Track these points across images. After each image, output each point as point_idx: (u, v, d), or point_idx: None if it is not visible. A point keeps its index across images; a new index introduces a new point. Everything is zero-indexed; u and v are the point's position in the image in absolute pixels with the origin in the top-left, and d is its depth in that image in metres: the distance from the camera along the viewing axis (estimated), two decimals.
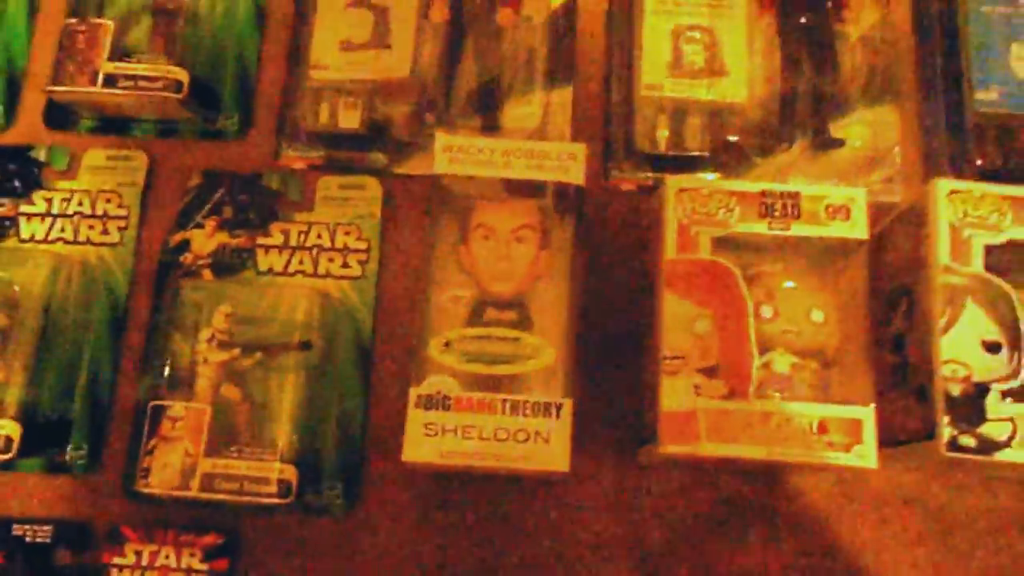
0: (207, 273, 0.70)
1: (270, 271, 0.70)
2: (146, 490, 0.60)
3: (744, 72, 0.71)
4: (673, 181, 0.60)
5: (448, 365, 0.58)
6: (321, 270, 0.70)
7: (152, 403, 0.62)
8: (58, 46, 0.70)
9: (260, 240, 0.71)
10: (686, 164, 0.71)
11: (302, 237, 0.71)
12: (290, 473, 0.61)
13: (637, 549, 0.65)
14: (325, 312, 0.68)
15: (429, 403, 0.56)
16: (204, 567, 0.64)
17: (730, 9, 0.72)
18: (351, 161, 0.73)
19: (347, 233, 0.71)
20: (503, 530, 0.65)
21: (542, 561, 0.65)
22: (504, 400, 0.57)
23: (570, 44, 0.75)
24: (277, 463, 0.61)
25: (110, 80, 0.69)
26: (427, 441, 0.56)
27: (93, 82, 0.69)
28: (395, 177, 0.72)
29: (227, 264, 0.70)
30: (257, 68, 0.76)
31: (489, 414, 0.56)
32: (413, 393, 0.57)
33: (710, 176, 0.71)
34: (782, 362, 0.61)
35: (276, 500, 0.61)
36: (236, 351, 0.64)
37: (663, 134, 0.71)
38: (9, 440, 0.62)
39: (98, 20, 0.70)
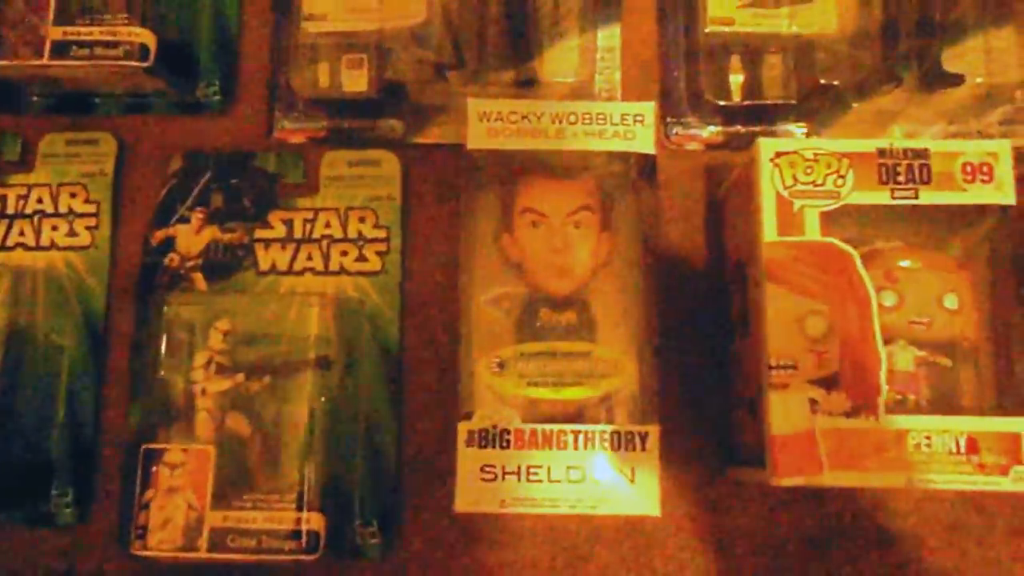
0: (198, 277, 0.58)
1: (273, 269, 0.58)
2: (144, 553, 0.50)
3: None
4: (767, 144, 0.48)
5: (503, 391, 0.46)
6: (333, 265, 0.59)
7: (144, 447, 0.52)
8: None
9: (258, 233, 0.59)
10: (765, 115, 0.59)
11: (308, 227, 0.59)
12: (316, 522, 0.51)
13: None
14: (343, 319, 0.56)
15: (484, 440, 0.46)
16: None
17: None
18: (360, 131, 0.61)
19: (361, 219, 0.59)
20: (568, 567, 0.56)
21: None
22: (576, 432, 0.46)
23: None
24: (300, 511, 0.51)
25: (60, 48, 0.56)
26: (484, 488, 0.45)
27: (39, 53, 0.56)
28: (414, 148, 0.60)
29: (221, 265, 0.59)
30: (239, 24, 0.63)
31: (558, 450, 0.46)
32: (463, 428, 0.46)
33: (794, 128, 0.59)
34: (904, 358, 0.50)
35: (302, 556, 0.50)
36: (240, 376, 0.53)
37: (736, 80, 0.58)
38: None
39: None
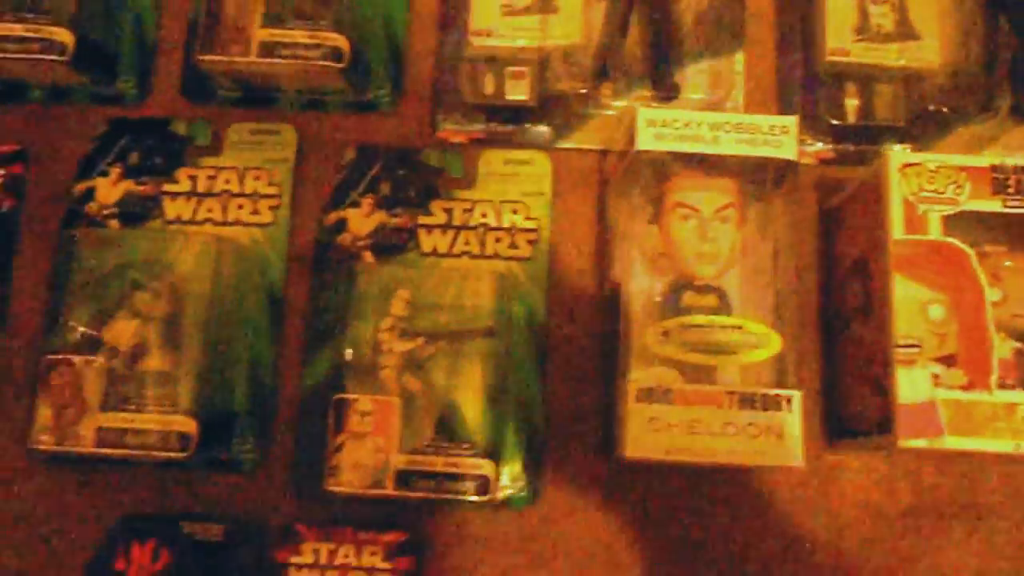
0: (367, 255, 0.66)
1: (434, 252, 0.66)
2: (337, 489, 0.57)
3: (936, 35, 0.66)
4: (896, 155, 0.56)
5: (667, 355, 0.54)
6: (489, 251, 0.66)
7: (336, 396, 0.59)
8: (206, 12, 0.65)
9: (421, 219, 0.67)
10: (873, 135, 0.67)
11: (466, 216, 0.67)
12: (489, 468, 0.58)
13: (834, 545, 0.62)
14: (501, 296, 0.64)
15: (651, 396, 0.53)
16: (388, 565, 0.61)
17: None
18: (514, 135, 0.68)
19: (515, 212, 0.67)
20: (691, 524, 0.62)
21: (734, 557, 0.62)
22: (731, 393, 0.53)
23: (739, 6, 0.70)
24: (475, 459, 0.58)
25: (266, 49, 0.64)
26: (652, 437, 0.52)
27: (248, 51, 0.64)
28: (561, 151, 0.68)
29: (388, 245, 0.66)
30: (407, 35, 0.71)
31: (715, 408, 0.53)
32: (632, 386, 0.53)
33: (897, 148, 0.67)
34: (1004, 348, 0.58)
35: (476, 497, 0.57)
36: (420, 340, 0.60)
37: (852, 103, 0.66)
38: (186, 437, 0.59)
39: None
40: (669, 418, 0.53)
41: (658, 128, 0.57)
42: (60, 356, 0.60)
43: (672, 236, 0.59)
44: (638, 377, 0.54)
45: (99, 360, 0.59)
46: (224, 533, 0.62)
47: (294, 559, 0.61)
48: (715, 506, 0.63)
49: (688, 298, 0.58)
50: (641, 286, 0.60)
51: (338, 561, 0.61)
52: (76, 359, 0.59)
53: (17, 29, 0.64)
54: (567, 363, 0.65)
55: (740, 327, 0.54)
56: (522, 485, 0.62)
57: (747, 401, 0.53)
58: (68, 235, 0.65)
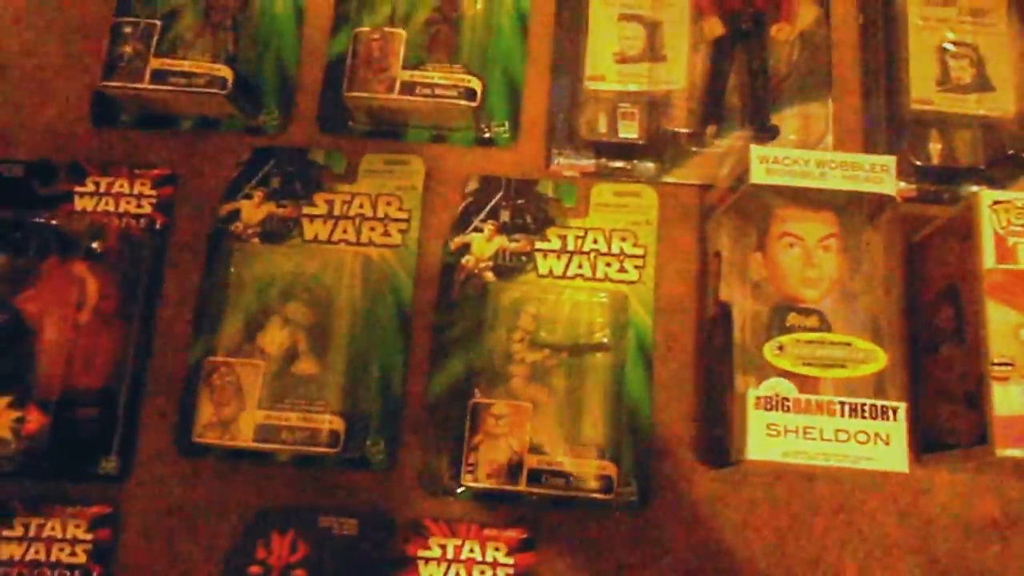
0: (489, 276, 0.72)
1: (550, 274, 0.72)
2: (475, 484, 0.63)
3: (1011, 87, 0.73)
4: (987, 194, 0.62)
5: (782, 367, 0.60)
6: (600, 274, 0.72)
7: (473, 401, 0.64)
8: (351, 53, 0.72)
9: (538, 244, 0.73)
10: (954, 176, 0.73)
11: (579, 242, 0.73)
12: (611, 469, 0.63)
13: (924, 553, 0.67)
14: (614, 313, 0.70)
15: (769, 404, 0.58)
16: (510, 561, 0.65)
17: (993, 26, 0.74)
18: (622, 170, 0.75)
19: (623, 239, 0.73)
20: (791, 530, 0.67)
21: (830, 563, 0.67)
22: (842, 403, 0.59)
23: (827, 57, 0.77)
24: (599, 460, 0.63)
25: (407, 87, 0.71)
26: (771, 441, 0.58)
27: (391, 89, 0.71)
28: (664, 185, 0.75)
29: (508, 267, 0.72)
30: (523, 78, 0.78)
31: (828, 416, 0.58)
32: (752, 395, 0.59)
33: (975, 188, 0.73)
34: None
35: (601, 495, 0.63)
36: (547, 351, 0.66)
37: (936, 147, 0.73)
38: (335, 435, 0.64)
39: (392, 29, 0.72)
40: (786, 424, 0.58)
41: (769, 164, 0.63)
42: (221, 359, 0.66)
43: (778, 262, 0.65)
44: (757, 387, 0.59)
45: (256, 363, 0.65)
46: (358, 527, 0.67)
47: (422, 553, 0.66)
48: (813, 515, 0.67)
49: (792, 318, 0.64)
50: (746, 307, 0.66)
51: (464, 556, 0.66)
52: (235, 361, 0.65)
53: (185, 65, 0.72)
54: (671, 377, 0.70)
55: (849, 344, 0.60)
56: (634, 489, 0.67)
57: (857, 411, 0.58)
58: (225, 249, 0.71)
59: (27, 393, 0.63)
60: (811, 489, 0.68)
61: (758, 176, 0.63)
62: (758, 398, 0.59)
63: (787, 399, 0.59)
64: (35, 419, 0.63)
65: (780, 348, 0.60)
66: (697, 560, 0.67)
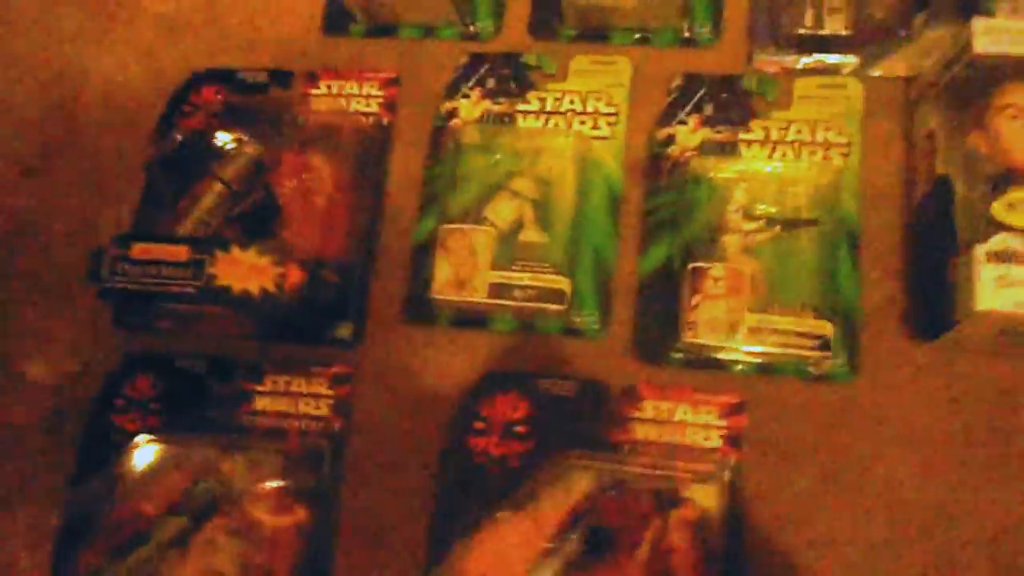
0: (696, 160, 0.75)
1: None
2: (695, 340, 0.66)
3: None
4: None
5: (1011, 223, 0.61)
6: (804, 163, 0.75)
7: (692, 265, 0.68)
8: None
9: (742, 135, 0.76)
10: None
11: (783, 133, 0.76)
12: (828, 329, 0.66)
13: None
14: (823, 194, 0.72)
15: (999, 258, 0.60)
16: (722, 423, 0.68)
17: None
18: (824, 65, 0.77)
19: (827, 129, 0.75)
20: (1002, 404, 0.68)
21: None
22: None
23: None
24: (816, 320, 0.66)
25: None
26: (1001, 292, 0.59)
27: None
28: (869, 79, 0.77)
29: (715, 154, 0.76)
30: None
31: None
32: (980, 249, 0.60)
33: None
34: None
35: (818, 353, 0.65)
36: (761, 223, 0.69)
37: None
38: (562, 293, 0.69)
39: None
40: (1017, 276, 0.59)
41: (994, 35, 0.64)
42: (455, 226, 0.72)
43: (1000, 135, 0.66)
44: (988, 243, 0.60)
45: (487, 229, 0.71)
46: (575, 389, 0.71)
47: (636, 414, 0.70)
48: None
49: (1016, 188, 0.64)
50: (961, 183, 0.67)
51: (676, 418, 0.69)
52: (468, 227, 0.71)
53: None
54: (878, 258, 0.72)
55: None
56: (843, 361, 0.69)
57: None
58: (453, 131, 0.78)
59: (286, 254, 0.71)
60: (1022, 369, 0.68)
61: (981, 46, 0.65)
62: (988, 252, 0.60)
63: (1016, 252, 0.60)
64: (295, 275, 0.70)
65: (1010, 205, 0.61)
66: (907, 435, 0.68)
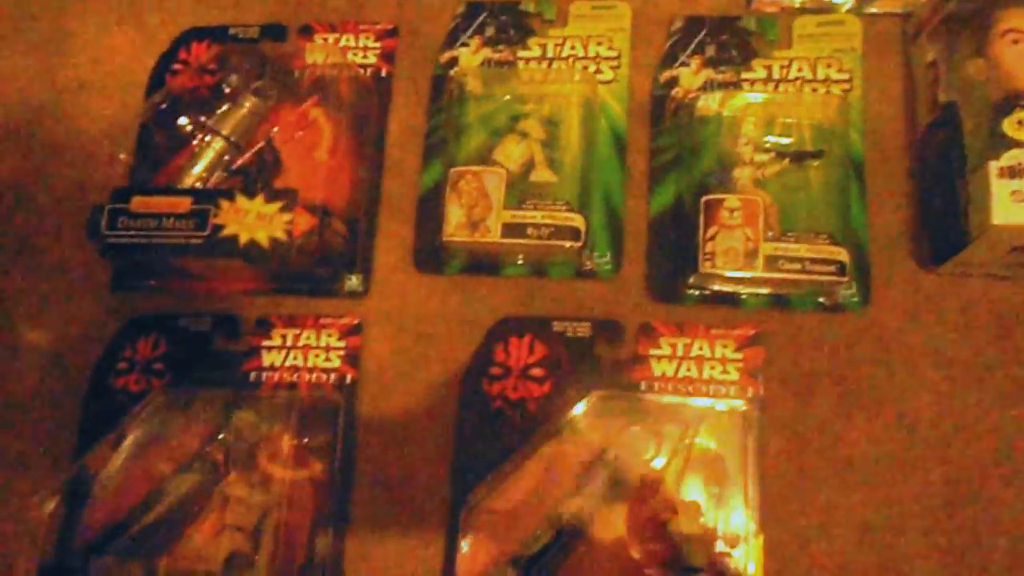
0: (701, 100, 0.75)
1: None
2: (714, 271, 0.66)
3: None
4: None
5: (1023, 140, 0.62)
6: (807, 100, 0.75)
7: (706, 198, 0.68)
8: None
9: (744, 75, 0.76)
10: None
11: (784, 71, 0.76)
12: (844, 256, 0.66)
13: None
14: (827, 127, 0.72)
15: (1011, 173, 0.61)
16: (739, 356, 0.69)
17: None
18: (820, 2, 0.78)
19: (828, 66, 0.76)
20: (1016, 328, 0.69)
21: None
22: None
23: None
24: (832, 247, 0.66)
25: None
26: (1016, 207, 0.60)
27: None
28: (865, 16, 0.77)
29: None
30: None
31: None
32: (993, 166, 0.61)
33: None
34: None
35: (837, 278, 0.66)
36: (772, 155, 0.69)
37: None
38: (577, 231, 0.69)
39: None
40: None
41: None
42: (465, 168, 0.71)
43: (1002, 60, 0.67)
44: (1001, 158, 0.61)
45: (498, 170, 0.70)
46: (590, 330, 0.71)
47: (653, 351, 0.70)
48: None
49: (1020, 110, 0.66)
50: (965, 110, 0.68)
51: (693, 353, 0.69)
52: (479, 169, 0.71)
53: None
54: (883, 187, 0.73)
55: None
56: (855, 291, 0.70)
57: None
58: (457, 75, 0.77)
59: (293, 201, 0.69)
60: None
61: None
62: (1001, 168, 0.61)
63: None
64: (303, 221, 0.69)
65: (1020, 123, 0.62)
66: (921, 362, 0.69)
